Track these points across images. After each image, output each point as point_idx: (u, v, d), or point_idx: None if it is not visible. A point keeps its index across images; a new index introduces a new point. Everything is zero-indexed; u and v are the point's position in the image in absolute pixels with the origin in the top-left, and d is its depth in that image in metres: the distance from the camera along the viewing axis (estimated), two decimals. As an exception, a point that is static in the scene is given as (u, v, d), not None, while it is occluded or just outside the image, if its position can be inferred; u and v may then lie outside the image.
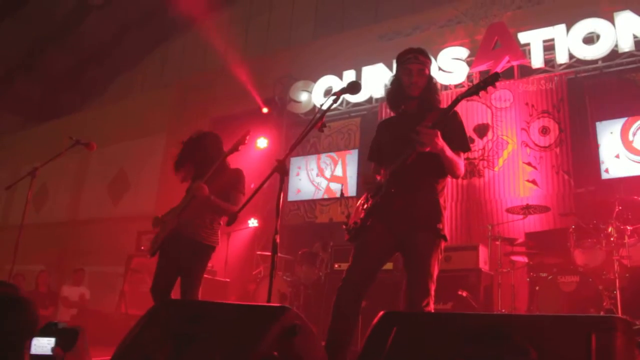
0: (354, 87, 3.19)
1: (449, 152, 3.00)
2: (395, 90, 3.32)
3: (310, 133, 3.20)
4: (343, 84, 9.05)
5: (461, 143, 3.17)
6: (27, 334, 1.86)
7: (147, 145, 11.75)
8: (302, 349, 2.10)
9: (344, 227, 3.26)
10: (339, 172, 9.47)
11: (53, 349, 2.28)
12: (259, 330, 2.02)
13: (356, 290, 3.02)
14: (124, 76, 14.17)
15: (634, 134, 6.99)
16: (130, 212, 11.40)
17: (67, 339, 2.37)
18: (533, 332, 1.64)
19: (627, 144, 7.01)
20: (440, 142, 2.93)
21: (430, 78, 3.29)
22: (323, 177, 9.57)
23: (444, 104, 3.34)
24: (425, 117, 3.06)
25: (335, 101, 3.17)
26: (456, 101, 3.01)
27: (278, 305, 2.14)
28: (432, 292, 2.99)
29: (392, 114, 3.56)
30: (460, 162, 3.11)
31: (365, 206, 3.17)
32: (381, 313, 1.93)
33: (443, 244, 3.10)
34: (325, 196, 9.42)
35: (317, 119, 3.11)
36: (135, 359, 2.27)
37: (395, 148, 3.15)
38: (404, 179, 3.05)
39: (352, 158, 9.30)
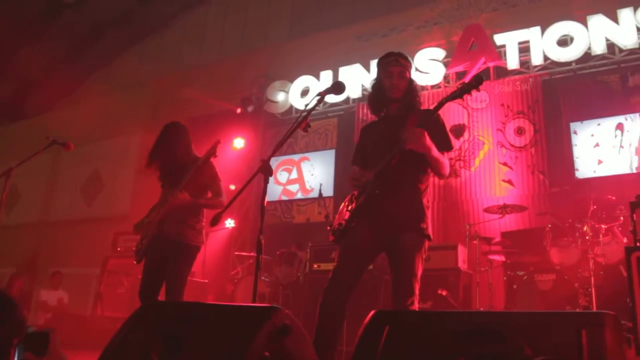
0: (338, 88, 3.22)
1: (435, 151, 3.04)
2: (376, 94, 3.36)
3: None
4: (320, 84, 9.11)
5: (445, 143, 3.22)
6: (15, 334, 1.82)
7: (122, 145, 11.58)
8: (293, 349, 2.09)
9: (328, 228, 3.27)
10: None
11: (22, 356, 2.16)
12: (249, 331, 2.01)
13: (342, 290, 3.04)
14: (97, 75, 13.93)
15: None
16: (104, 213, 11.23)
17: (37, 344, 2.26)
18: (526, 329, 1.66)
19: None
20: (428, 141, 2.96)
21: (411, 81, 3.33)
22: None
23: (423, 106, 3.41)
24: (407, 119, 3.10)
25: (320, 101, 3.18)
26: (441, 104, 3.07)
27: (268, 305, 2.14)
28: (417, 291, 3.02)
29: (371, 116, 3.59)
30: (445, 161, 3.15)
31: (350, 207, 3.18)
32: (373, 312, 1.94)
33: (427, 244, 3.14)
34: (302, 196, 9.43)
35: (303, 119, 3.12)
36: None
37: (379, 150, 3.19)
38: (388, 180, 3.08)
39: (329, 158, 9.30)
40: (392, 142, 3.06)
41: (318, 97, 3.18)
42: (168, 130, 4.48)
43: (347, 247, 3.12)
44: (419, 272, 3.06)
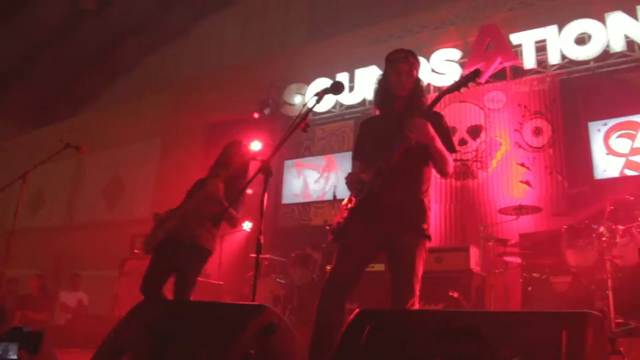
0: (337, 88, 3.21)
1: (439, 143, 3.01)
2: (382, 89, 3.32)
3: (304, 135, 3.21)
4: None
5: (448, 144, 3.16)
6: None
7: (142, 150, 11.75)
8: (279, 347, 2.10)
9: (327, 227, 3.25)
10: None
11: (17, 353, 2.28)
12: (236, 328, 2.02)
13: (340, 290, 3.00)
14: (118, 81, 14.18)
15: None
16: (125, 216, 11.39)
17: (31, 343, 2.37)
18: (505, 328, 1.64)
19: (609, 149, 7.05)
20: (431, 131, 2.94)
21: (418, 80, 3.28)
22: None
23: (436, 107, 3.36)
24: (410, 116, 3.06)
25: (318, 101, 3.17)
26: (438, 98, 3.02)
27: (255, 303, 2.14)
28: (417, 292, 2.98)
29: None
30: (449, 158, 3.11)
31: (349, 206, 3.15)
32: (356, 311, 1.93)
33: (427, 244, 3.09)
34: (318, 198, 9.43)
35: (300, 120, 3.11)
36: (115, 356, 2.27)
37: (379, 147, 3.13)
38: (387, 179, 3.03)
39: (346, 160, 9.28)
40: (392, 139, 3.02)
41: (316, 97, 3.16)
42: (228, 147, 4.61)
43: (344, 246, 3.09)
44: (420, 273, 3.01)
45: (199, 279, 4.46)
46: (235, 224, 4.26)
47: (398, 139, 2.97)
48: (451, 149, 3.19)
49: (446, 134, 3.20)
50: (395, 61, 3.26)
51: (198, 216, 4.22)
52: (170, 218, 4.24)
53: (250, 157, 4.56)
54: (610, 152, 7.06)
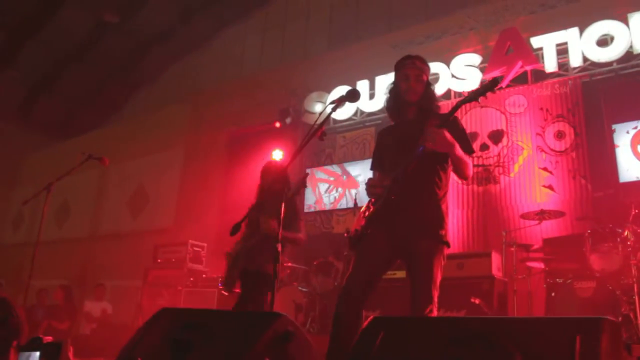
0: (353, 95, 3.22)
1: (459, 149, 3.01)
2: (393, 98, 3.33)
3: (325, 143, 3.23)
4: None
5: (465, 147, 3.16)
6: (14, 336, 1.90)
7: (165, 160, 11.88)
8: (295, 355, 2.10)
9: (345, 235, 3.26)
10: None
11: None
12: (251, 336, 2.03)
13: (356, 298, 3.01)
14: (141, 92, 14.39)
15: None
16: (149, 226, 11.52)
17: (51, 353, 2.44)
18: (518, 335, 1.62)
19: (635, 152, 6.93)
20: (450, 138, 2.94)
21: (428, 84, 3.29)
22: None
23: (457, 113, 3.34)
24: (425, 123, 3.06)
25: (334, 109, 3.19)
26: (456, 107, 3.03)
27: (271, 312, 2.16)
28: (436, 299, 2.96)
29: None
30: (469, 161, 3.11)
31: (367, 214, 3.16)
32: (370, 317, 1.93)
33: (446, 250, 3.08)
34: (338, 207, 9.43)
35: (317, 128, 3.13)
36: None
37: (396, 156, 3.15)
38: (405, 187, 3.03)
39: (367, 167, 9.27)
40: (409, 147, 3.02)
41: (332, 105, 3.18)
42: (268, 167, 4.87)
43: (361, 254, 3.10)
44: (438, 280, 3.00)
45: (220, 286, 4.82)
46: (299, 243, 4.54)
47: (413, 154, 2.97)
48: (469, 151, 3.19)
49: (463, 136, 3.20)
50: (404, 67, 3.29)
51: (261, 247, 4.40)
52: (238, 255, 4.59)
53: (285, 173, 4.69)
54: (636, 154, 6.94)
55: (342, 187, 9.47)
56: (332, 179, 9.67)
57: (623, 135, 7.07)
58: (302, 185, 4.39)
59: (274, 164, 4.95)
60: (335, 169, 9.68)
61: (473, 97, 3.00)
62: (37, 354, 2.33)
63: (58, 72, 13.17)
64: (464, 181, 6.79)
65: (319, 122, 3.14)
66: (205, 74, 12.99)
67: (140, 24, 12.14)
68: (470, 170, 3.16)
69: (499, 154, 7.87)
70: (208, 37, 13.14)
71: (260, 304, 4.37)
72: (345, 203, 9.28)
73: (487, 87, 2.95)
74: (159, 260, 8.35)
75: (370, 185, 3.19)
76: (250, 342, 2.01)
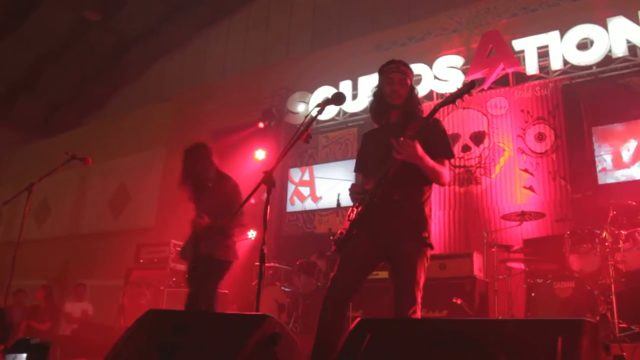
0: (339, 98, 3.24)
1: (429, 161, 3.03)
2: (377, 101, 3.37)
3: (307, 144, 3.25)
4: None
5: (445, 150, 3.20)
6: (1, 340, 1.90)
7: (147, 159, 11.79)
8: (282, 357, 2.13)
9: (331, 237, 3.29)
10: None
11: None
12: (239, 338, 2.05)
13: (341, 300, 3.05)
14: (123, 91, 14.28)
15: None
16: (130, 226, 11.44)
17: (38, 354, 2.44)
18: (501, 336, 1.66)
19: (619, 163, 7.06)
20: (419, 152, 2.96)
21: (412, 88, 3.32)
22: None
23: (438, 114, 3.38)
24: (407, 127, 3.10)
25: (319, 112, 3.21)
26: (434, 111, 3.06)
27: (259, 313, 2.17)
28: (419, 300, 3.00)
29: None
30: (443, 170, 3.14)
31: (351, 217, 3.20)
32: (357, 320, 1.96)
33: (429, 252, 3.12)
34: (322, 207, 9.47)
35: (302, 131, 3.15)
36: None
37: (378, 159, 3.18)
38: (387, 189, 3.07)
39: (349, 168, 9.31)
40: (391, 150, 3.06)
41: (318, 108, 3.20)
42: (190, 152, 4.87)
43: (345, 256, 3.13)
44: (422, 281, 3.04)
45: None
46: (237, 225, 4.64)
47: (392, 157, 3.01)
48: (448, 155, 3.23)
49: (444, 139, 3.24)
50: (388, 71, 3.31)
51: (206, 235, 4.52)
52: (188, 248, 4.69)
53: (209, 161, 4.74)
54: (615, 156, 7.07)
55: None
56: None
57: (602, 138, 7.19)
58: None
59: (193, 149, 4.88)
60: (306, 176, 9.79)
61: (450, 100, 3.05)
62: (24, 355, 2.33)
63: (38, 70, 13.00)
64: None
65: (304, 125, 3.16)
66: (187, 73, 12.93)
67: (121, 22, 12.05)
68: (446, 179, 3.19)
69: (480, 155, 7.96)
70: (190, 36, 13.09)
71: (207, 291, 4.43)
72: (328, 203, 9.30)
73: (464, 90, 3.00)
74: (141, 260, 8.31)
75: (353, 191, 3.22)
76: (238, 344, 2.02)
